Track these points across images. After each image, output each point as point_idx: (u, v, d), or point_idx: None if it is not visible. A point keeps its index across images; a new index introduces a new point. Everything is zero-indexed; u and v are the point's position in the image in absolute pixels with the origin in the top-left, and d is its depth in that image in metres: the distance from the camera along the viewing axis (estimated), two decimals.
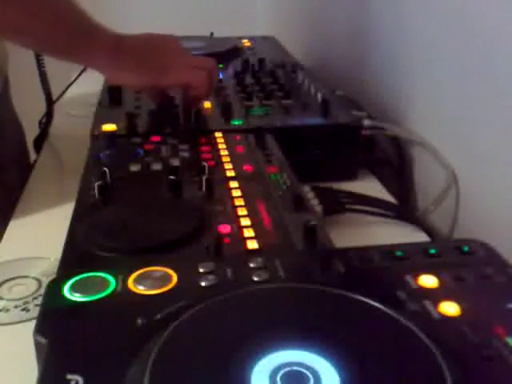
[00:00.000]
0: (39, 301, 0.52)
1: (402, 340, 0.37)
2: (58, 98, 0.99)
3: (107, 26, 0.74)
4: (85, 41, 0.71)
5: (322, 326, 0.38)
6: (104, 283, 0.43)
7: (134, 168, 0.67)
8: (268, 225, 0.55)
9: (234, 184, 0.63)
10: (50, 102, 0.96)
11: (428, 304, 0.41)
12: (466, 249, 0.48)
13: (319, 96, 0.86)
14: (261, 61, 1.08)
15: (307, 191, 0.67)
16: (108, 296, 0.42)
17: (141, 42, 0.78)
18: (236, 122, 0.80)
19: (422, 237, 0.68)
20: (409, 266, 0.46)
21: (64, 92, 1.01)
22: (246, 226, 0.54)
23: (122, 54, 0.74)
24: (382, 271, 0.46)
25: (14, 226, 0.69)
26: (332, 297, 0.41)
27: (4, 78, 0.90)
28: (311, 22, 1.36)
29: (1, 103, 0.89)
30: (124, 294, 0.42)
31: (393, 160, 0.86)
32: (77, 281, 0.44)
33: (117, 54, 0.74)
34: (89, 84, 1.02)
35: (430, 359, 0.35)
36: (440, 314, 0.40)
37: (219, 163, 0.68)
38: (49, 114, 0.97)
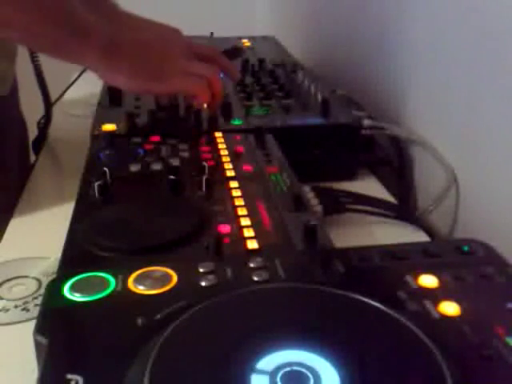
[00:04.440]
0: (39, 301, 0.52)
1: (402, 340, 0.37)
2: (56, 100, 0.98)
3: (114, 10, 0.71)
4: (75, 37, 0.67)
5: (322, 325, 0.38)
6: (104, 283, 0.43)
7: (134, 168, 0.67)
8: (268, 225, 0.55)
9: (234, 184, 0.63)
10: (49, 104, 0.96)
11: (428, 304, 0.41)
12: (466, 249, 0.48)
13: (319, 96, 0.86)
14: (261, 61, 1.08)
15: (307, 191, 0.67)
16: (108, 296, 0.42)
17: (139, 41, 0.73)
18: (236, 122, 0.80)
19: (422, 237, 0.68)
20: (409, 266, 0.46)
21: (63, 93, 1.01)
22: (246, 226, 0.54)
23: (116, 55, 0.70)
24: (382, 271, 0.46)
25: (14, 226, 0.69)
26: (332, 297, 0.41)
27: (13, 78, 0.89)
28: (311, 22, 1.36)
29: (8, 103, 0.88)
30: (124, 293, 0.42)
31: (393, 160, 0.86)
32: (77, 281, 0.44)
33: (109, 54, 0.69)
34: (89, 84, 1.02)
35: (430, 359, 0.35)
36: (440, 313, 0.40)
37: (219, 163, 0.68)
38: (47, 116, 0.96)
